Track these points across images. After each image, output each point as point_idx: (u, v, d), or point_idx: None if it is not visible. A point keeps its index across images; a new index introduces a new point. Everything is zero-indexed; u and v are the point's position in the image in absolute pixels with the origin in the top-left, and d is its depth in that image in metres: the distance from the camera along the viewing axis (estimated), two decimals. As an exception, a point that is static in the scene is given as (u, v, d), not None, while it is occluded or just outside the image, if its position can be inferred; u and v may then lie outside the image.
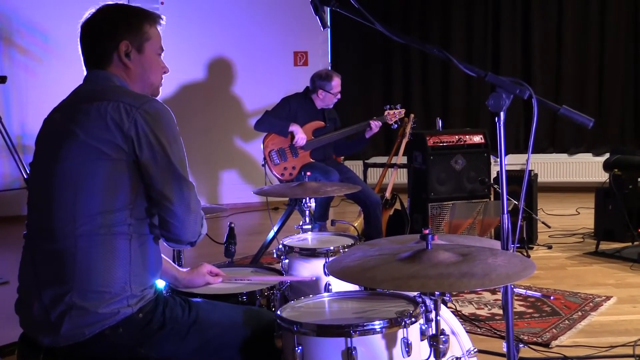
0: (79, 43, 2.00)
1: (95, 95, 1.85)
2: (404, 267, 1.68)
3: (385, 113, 5.16)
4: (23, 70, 6.72)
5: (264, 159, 4.98)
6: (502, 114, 1.77)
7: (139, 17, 2.00)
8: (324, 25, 2.06)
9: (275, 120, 4.92)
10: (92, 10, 1.99)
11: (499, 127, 1.78)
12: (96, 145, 1.77)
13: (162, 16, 2.06)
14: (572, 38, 7.72)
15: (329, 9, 2.06)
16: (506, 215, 1.81)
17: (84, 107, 1.82)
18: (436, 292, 1.74)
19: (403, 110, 5.21)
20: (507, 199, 1.84)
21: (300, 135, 4.89)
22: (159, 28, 2.05)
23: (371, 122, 5.02)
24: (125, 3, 2.06)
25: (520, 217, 1.90)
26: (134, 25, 1.98)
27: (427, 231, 1.77)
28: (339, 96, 5.07)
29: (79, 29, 1.99)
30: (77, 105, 1.85)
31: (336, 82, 4.99)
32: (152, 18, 2.02)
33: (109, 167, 1.78)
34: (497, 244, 1.97)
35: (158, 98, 1.96)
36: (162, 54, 2.07)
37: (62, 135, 1.83)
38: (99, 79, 1.95)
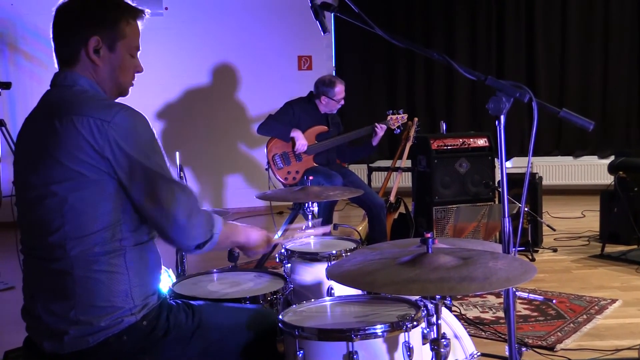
0: (50, 34, 1.86)
1: (63, 107, 1.75)
2: (404, 271, 1.68)
3: (388, 118, 5.16)
4: (28, 76, 6.76)
5: (268, 163, 4.99)
6: (502, 117, 1.77)
7: (117, 12, 1.85)
8: (325, 30, 2.06)
9: (278, 124, 4.92)
10: None
11: (499, 130, 1.78)
12: (74, 167, 1.71)
13: (146, 10, 1.92)
14: (576, 41, 7.71)
15: (330, 14, 2.06)
16: (507, 219, 1.81)
17: (54, 124, 1.73)
18: (437, 296, 1.73)
19: (406, 115, 5.21)
20: (512, 202, 1.84)
21: (302, 142, 4.89)
22: (139, 23, 1.90)
23: (377, 124, 5.03)
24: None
25: (521, 220, 1.90)
26: (110, 20, 1.84)
27: (428, 235, 1.77)
28: (342, 102, 5.07)
29: (52, 17, 1.86)
30: (47, 120, 1.76)
31: (339, 89, 5.00)
32: (132, 14, 1.87)
33: (91, 189, 1.72)
34: (498, 248, 1.97)
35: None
36: (139, 52, 1.93)
37: (38, 157, 1.76)
38: (66, 82, 1.84)
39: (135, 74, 1.95)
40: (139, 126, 1.76)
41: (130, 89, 1.96)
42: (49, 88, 1.90)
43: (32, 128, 1.86)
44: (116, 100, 1.88)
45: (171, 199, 1.76)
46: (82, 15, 1.84)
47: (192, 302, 2.05)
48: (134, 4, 1.92)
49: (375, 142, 5.10)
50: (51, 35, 1.87)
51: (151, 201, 1.75)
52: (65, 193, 1.73)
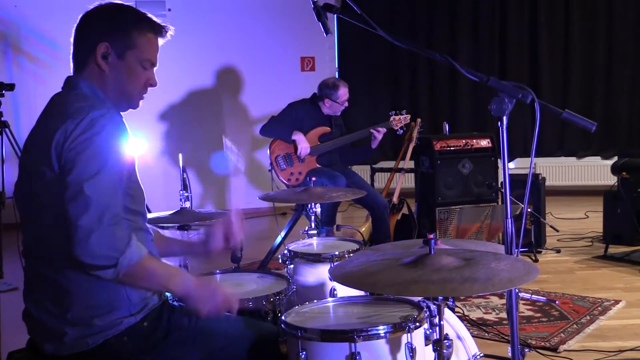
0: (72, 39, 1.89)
1: (55, 109, 1.78)
2: (406, 272, 1.68)
3: (391, 119, 5.15)
4: (32, 77, 6.76)
5: (271, 164, 4.99)
6: (504, 118, 1.77)
7: (132, 22, 1.86)
8: (327, 32, 2.07)
9: (280, 126, 4.93)
10: (97, 3, 1.89)
11: (502, 131, 1.78)
12: (54, 168, 1.70)
13: (168, 27, 1.92)
14: (579, 42, 7.70)
15: (332, 15, 2.07)
16: (510, 220, 1.81)
17: (44, 125, 1.77)
18: (439, 297, 1.73)
19: (409, 116, 5.20)
20: (515, 203, 1.84)
21: (304, 145, 4.89)
22: (160, 40, 1.91)
23: (374, 130, 5.00)
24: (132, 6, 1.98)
25: (524, 220, 1.90)
26: (122, 28, 1.84)
27: (430, 236, 1.77)
28: (346, 105, 5.06)
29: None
30: (42, 122, 1.80)
31: (343, 92, 4.99)
32: (149, 26, 1.88)
33: (60, 192, 1.68)
34: (501, 249, 1.97)
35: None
36: (154, 68, 1.92)
37: (34, 158, 1.77)
38: (69, 86, 1.86)
39: (149, 88, 1.93)
40: (103, 130, 1.69)
41: (140, 102, 1.94)
42: (52, 90, 1.92)
43: (34, 129, 1.86)
44: (122, 112, 1.88)
45: (83, 211, 1.64)
46: (97, 21, 1.85)
47: None
48: (158, 20, 1.92)
49: (374, 145, 5.07)
50: (71, 41, 1.89)
51: (67, 204, 1.66)
52: (53, 194, 1.72)
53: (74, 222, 1.63)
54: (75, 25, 1.89)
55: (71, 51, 1.89)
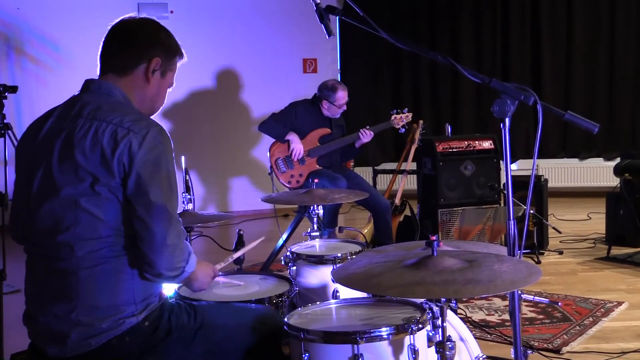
0: (104, 42, 1.93)
1: (93, 113, 1.80)
2: (409, 273, 1.68)
3: (392, 117, 5.14)
4: (34, 79, 6.78)
5: (271, 167, 4.98)
6: (507, 120, 1.77)
7: (177, 47, 2.02)
8: (329, 34, 2.07)
9: (277, 124, 4.92)
10: (134, 15, 1.98)
11: (504, 133, 1.78)
12: (92, 171, 1.74)
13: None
14: (581, 43, 7.69)
15: (334, 17, 2.07)
16: (512, 221, 1.81)
17: (83, 127, 1.78)
18: (442, 299, 1.73)
19: (410, 114, 5.18)
20: (517, 205, 1.84)
21: (297, 146, 4.88)
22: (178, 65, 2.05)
23: (362, 130, 4.96)
24: (135, 12, 2.04)
25: (526, 222, 1.90)
26: (172, 50, 1.99)
27: (433, 237, 1.77)
28: (344, 107, 5.03)
29: (112, 27, 1.94)
30: (75, 121, 1.81)
31: (340, 95, 4.96)
32: (181, 54, 2.04)
33: (104, 194, 1.75)
34: (504, 250, 1.97)
35: (167, 104, 1.93)
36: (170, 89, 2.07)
37: (58, 157, 1.79)
38: (100, 90, 1.89)
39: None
40: (164, 147, 1.80)
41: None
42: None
43: (55, 128, 1.85)
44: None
45: (168, 229, 1.78)
46: (155, 35, 1.96)
47: (194, 302, 2.06)
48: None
49: (357, 144, 5.03)
50: (107, 41, 1.94)
51: (144, 219, 1.76)
52: (78, 195, 1.75)
53: (161, 240, 1.76)
54: (123, 29, 1.94)
55: (106, 52, 1.93)
